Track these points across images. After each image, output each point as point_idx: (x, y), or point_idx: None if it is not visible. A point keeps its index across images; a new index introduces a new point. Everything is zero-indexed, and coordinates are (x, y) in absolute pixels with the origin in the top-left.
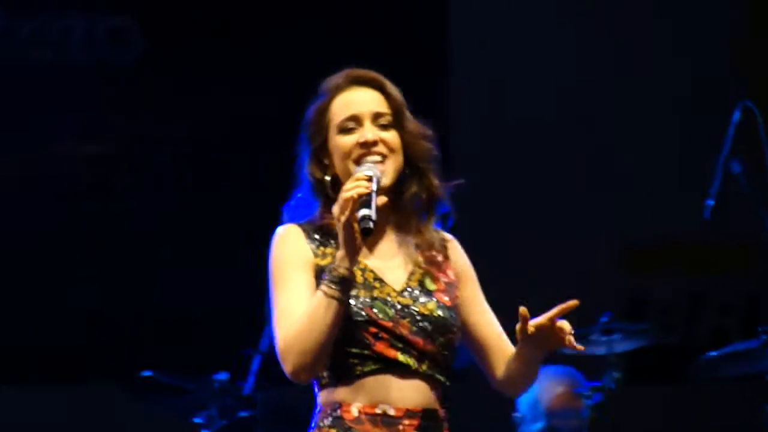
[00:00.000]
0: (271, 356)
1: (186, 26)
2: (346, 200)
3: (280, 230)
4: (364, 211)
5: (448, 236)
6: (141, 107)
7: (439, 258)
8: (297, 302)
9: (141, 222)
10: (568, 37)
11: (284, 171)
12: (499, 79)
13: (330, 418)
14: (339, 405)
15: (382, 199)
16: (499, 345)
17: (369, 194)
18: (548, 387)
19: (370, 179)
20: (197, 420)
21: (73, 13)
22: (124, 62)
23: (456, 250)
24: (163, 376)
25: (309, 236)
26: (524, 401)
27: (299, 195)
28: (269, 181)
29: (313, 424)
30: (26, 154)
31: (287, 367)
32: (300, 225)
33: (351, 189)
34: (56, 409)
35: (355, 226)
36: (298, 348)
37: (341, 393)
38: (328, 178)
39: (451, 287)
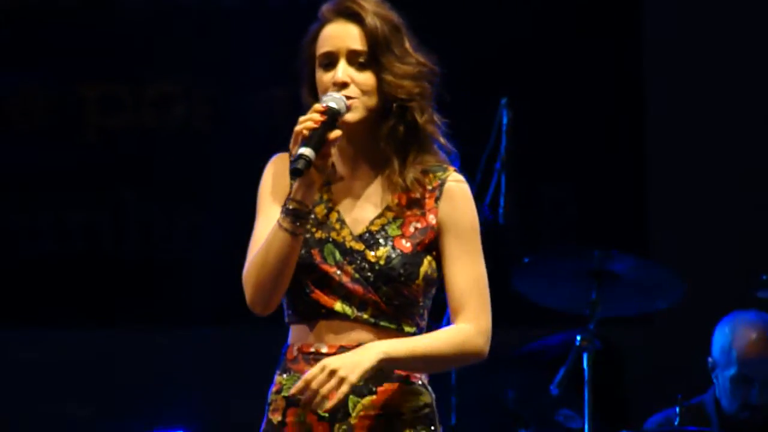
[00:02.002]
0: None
1: None
2: (296, 133)
3: (270, 160)
4: (301, 150)
5: (453, 179)
6: None
7: (426, 199)
8: (263, 234)
9: None
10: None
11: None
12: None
13: (280, 359)
14: (287, 347)
15: (336, 133)
16: (452, 308)
17: (317, 129)
18: (742, 333)
19: (328, 110)
20: None
21: None
22: None
23: (451, 196)
24: None
25: None
26: (717, 346)
27: None
28: None
29: None
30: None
31: (246, 298)
32: (290, 154)
33: (302, 122)
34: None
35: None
36: (253, 280)
37: (292, 334)
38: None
39: (422, 232)
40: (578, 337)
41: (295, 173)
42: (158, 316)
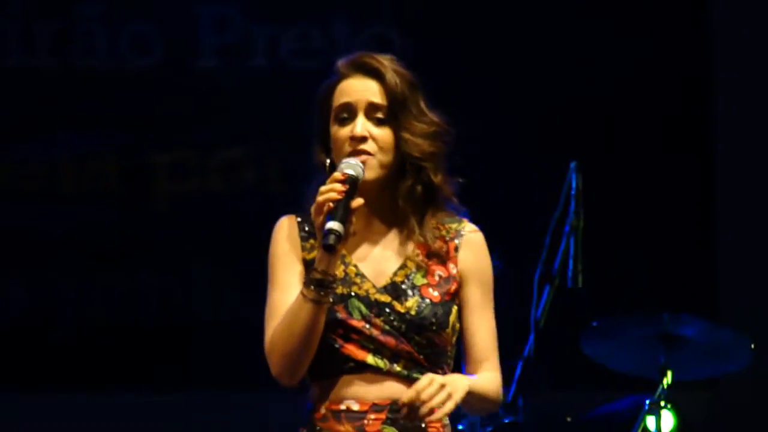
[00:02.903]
0: (531, 363)
1: (444, 29)
2: (319, 204)
3: (277, 223)
4: (330, 224)
5: (470, 229)
6: None
7: (444, 250)
8: (283, 302)
9: None
10: None
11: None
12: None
13: (305, 419)
14: (312, 405)
15: (359, 202)
16: (474, 357)
17: (341, 200)
18: None
19: (348, 179)
20: (460, 426)
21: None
22: None
23: (471, 246)
24: None
25: (301, 228)
26: None
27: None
28: None
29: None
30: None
31: (271, 370)
32: (297, 215)
33: (325, 192)
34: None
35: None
36: (279, 351)
37: (314, 393)
38: (327, 162)
39: (447, 281)
40: (647, 402)
41: (328, 249)
42: (231, 380)
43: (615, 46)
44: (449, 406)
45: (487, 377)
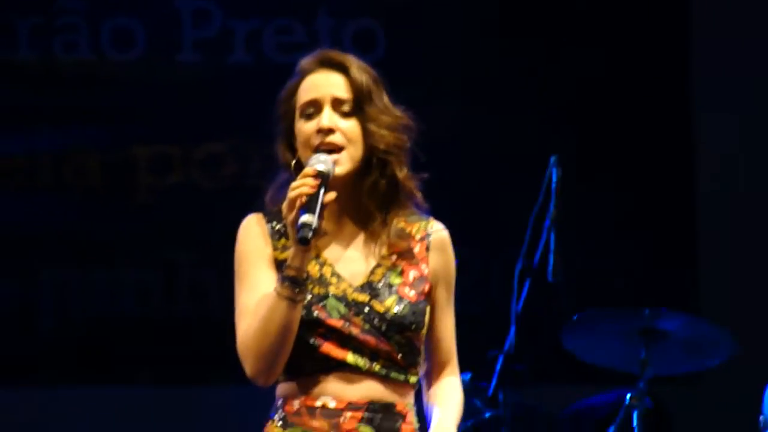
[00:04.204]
0: (512, 357)
1: (424, 30)
2: (291, 199)
3: (244, 221)
4: (304, 218)
5: (438, 227)
6: None
7: (416, 249)
8: (254, 301)
9: None
10: None
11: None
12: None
13: (275, 412)
14: (284, 400)
15: (331, 196)
16: (439, 359)
17: (314, 194)
18: None
19: (319, 174)
20: None
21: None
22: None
23: (439, 245)
24: None
25: (271, 227)
26: None
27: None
28: None
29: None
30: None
31: (246, 370)
32: (266, 214)
33: (296, 188)
34: None
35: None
36: (254, 351)
37: (288, 389)
38: (293, 162)
39: (420, 281)
40: (628, 396)
41: (303, 242)
42: (211, 375)
43: (593, 42)
44: None
45: (455, 396)
